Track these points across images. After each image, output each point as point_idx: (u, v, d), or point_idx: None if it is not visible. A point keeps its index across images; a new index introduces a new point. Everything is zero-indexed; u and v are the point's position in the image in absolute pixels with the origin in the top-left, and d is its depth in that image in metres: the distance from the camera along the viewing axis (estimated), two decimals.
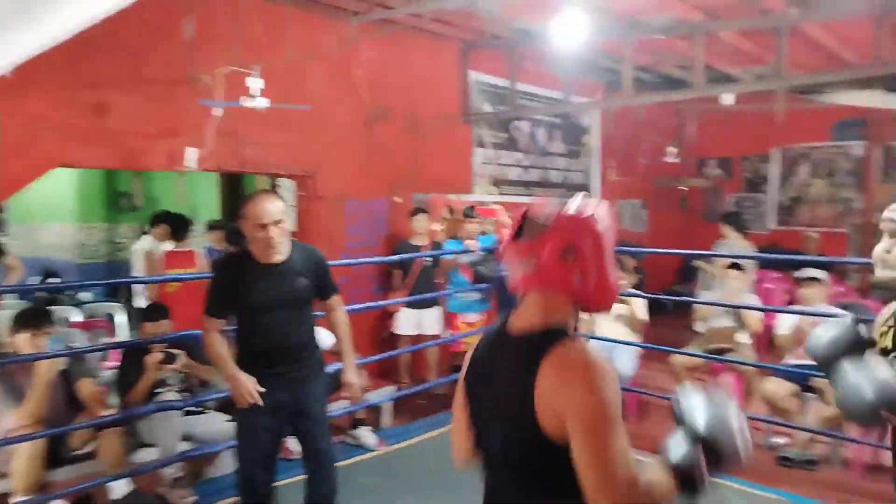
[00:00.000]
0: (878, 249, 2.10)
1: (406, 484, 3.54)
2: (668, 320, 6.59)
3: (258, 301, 2.57)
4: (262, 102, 3.97)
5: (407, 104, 5.63)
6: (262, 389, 2.54)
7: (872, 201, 8.16)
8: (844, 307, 5.28)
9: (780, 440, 4.13)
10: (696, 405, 1.33)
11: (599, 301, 1.35)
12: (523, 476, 1.29)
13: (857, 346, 1.90)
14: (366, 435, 4.06)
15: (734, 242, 6.01)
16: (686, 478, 1.23)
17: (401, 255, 4.82)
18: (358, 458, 3.90)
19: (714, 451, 1.25)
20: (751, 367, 4.45)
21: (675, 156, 8.43)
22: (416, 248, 5.07)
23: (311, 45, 4.74)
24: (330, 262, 4.69)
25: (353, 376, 2.82)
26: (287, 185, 5.64)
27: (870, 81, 6.34)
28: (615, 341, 4.69)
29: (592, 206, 1.34)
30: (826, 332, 1.99)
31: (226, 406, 3.40)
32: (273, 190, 4.31)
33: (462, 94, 6.19)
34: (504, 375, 1.31)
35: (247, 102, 3.96)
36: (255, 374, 2.57)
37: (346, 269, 5.19)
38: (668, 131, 8.64)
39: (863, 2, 4.31)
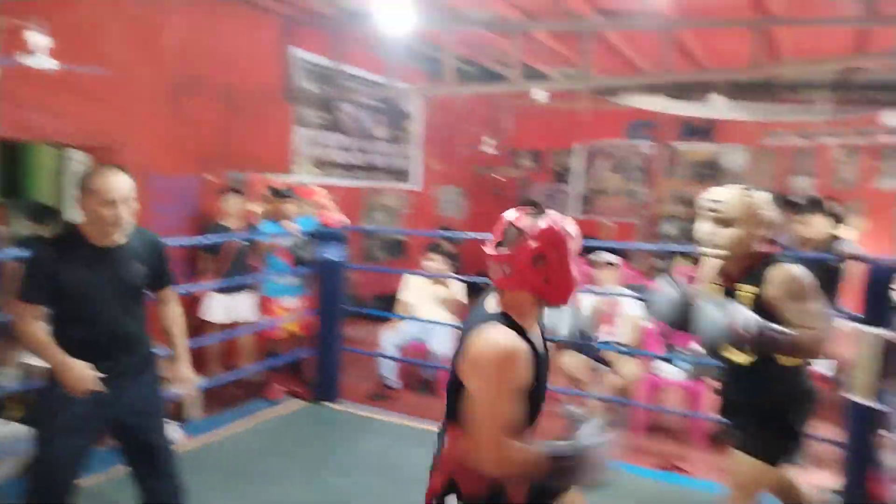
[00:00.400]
0: (703, 233, 2.36)
1: (212, 479, 3.34)
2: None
3: (88, 287, 2.30)
4: (45, 62, 3.49)
5: (221, 77, 5.28)
6: (103, 375, 2.27)
7: (657, 195, 9.22)
8: (634, 289, 5.89)
9: (576, 409, 4.51)
10: (587, 429, 1.73)
11: (559, 298, 1.70)
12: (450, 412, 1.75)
13: (688, 298, 2.41)
14: (169, 429, 3.76)
15: None
16: (554, 470, 1.58)
17: (210, 237, 4.52)
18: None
19: (578, 465, 1.60)
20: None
21: (492, 147, 8.85)
22: (228, 231, 4.79)
23: (111, 4, 4.26)
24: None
25: (188, 370, 2.63)
26: (80, 158, 5.04)
27: (657, 88, 7.13)
28: (435, 322, 4.82)
29: (561, 221, 1.69)
30: (662, 298, 2.47)
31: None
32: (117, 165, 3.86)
33: (283, 72, 5.96)
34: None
35: (26, 60, 3.46)
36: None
37: None
38: (485, 123, 9.04)
39: (653, 18, 4.81)
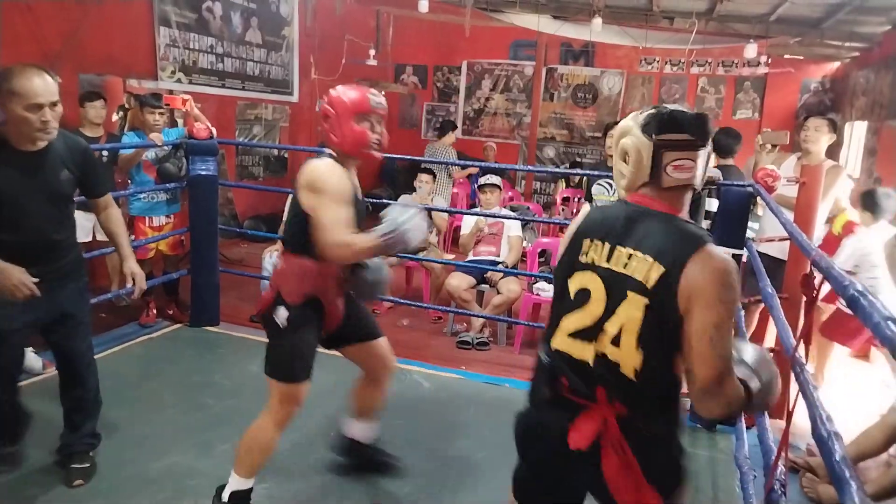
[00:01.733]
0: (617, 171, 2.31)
1: None
2: (370, 222, 6.86)
3: (13, 192, 2.22)
4: None
5: None
6: (36, 279, 2.22)
7: (538, 116, 9.38)
8: (514, 209, 6.06)
9: (460, 327, 4.66)
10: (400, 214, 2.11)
11: (348, 148, 2.20)
12: None
13: None
14: (28, 357, 3.47)
15: (439, 148, 6.50)
16: (384, 244, 2.07)
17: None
18: (19, 385, 3.34)
19: (399, 236, 2.07)
20: (437, 264, 4.89)
21: (374, 59, 8.52)
22: (91, 141, 4.31)
23: None
24: None
25: (136, 266, 2.59)
26: None
27: (541, 7, 7.11)
28: None
29: (344, 89, 2.21)
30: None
31: None
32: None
33: None
34: None
35: None
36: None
37: None
38: (368, 33, 8.65)
39: None
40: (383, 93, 9.77)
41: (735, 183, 3.40)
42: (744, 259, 3.33)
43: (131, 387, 3.43)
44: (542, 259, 5.49)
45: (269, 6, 7.09)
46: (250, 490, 2.29)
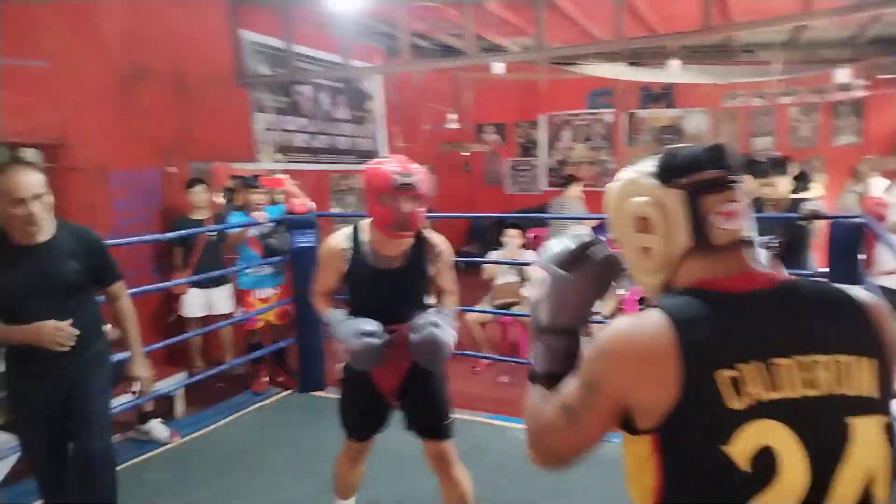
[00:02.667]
0: None
1: (202, 475, 3.32)
2: (461, 279, 6.94)
3: (14, 287, 2.28)
4: None
5: (170, 63, 5.12)
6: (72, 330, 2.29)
7: (622, 162, 9.30)
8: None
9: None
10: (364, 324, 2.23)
11: (377, 225, 2.29)
12: None
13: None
14: (156, 428, 3.72)
15: (565, 201, 6.41)
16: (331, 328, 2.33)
17: (180, 232, 4.41)
18: (149, 455, 3.57)
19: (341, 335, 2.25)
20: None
21: (455, 122, 8.80)
22: (197, 223, 4.68)
23: None
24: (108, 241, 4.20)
25: (142, 369, 2.59)
26: (32, 157, 4.85)
27: (613, 56, 7.16)
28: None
29: (380, 163, 2.28)
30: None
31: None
32: (26, 161, 3.72)
33: (234, 55, 5.79)
34: None
35: None
36: (20, 368, 2.38)
37: (117, 249, 4.65)
38: (446, 98, 8.98)
39: None
40: (466, 154, 9.89)
41: (844, 215, 3.24)
42: None
43: (246, 454, 3.58)
44: (641, 307, 5.35)
45: (354, 83, 7.52)
46: None
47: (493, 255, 5.32)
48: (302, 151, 6.66)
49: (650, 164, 1.03)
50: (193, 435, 3.82)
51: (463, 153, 9.74)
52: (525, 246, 5.23)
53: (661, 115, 9.23)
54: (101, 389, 2.50)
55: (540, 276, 1.18)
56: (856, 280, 3.05)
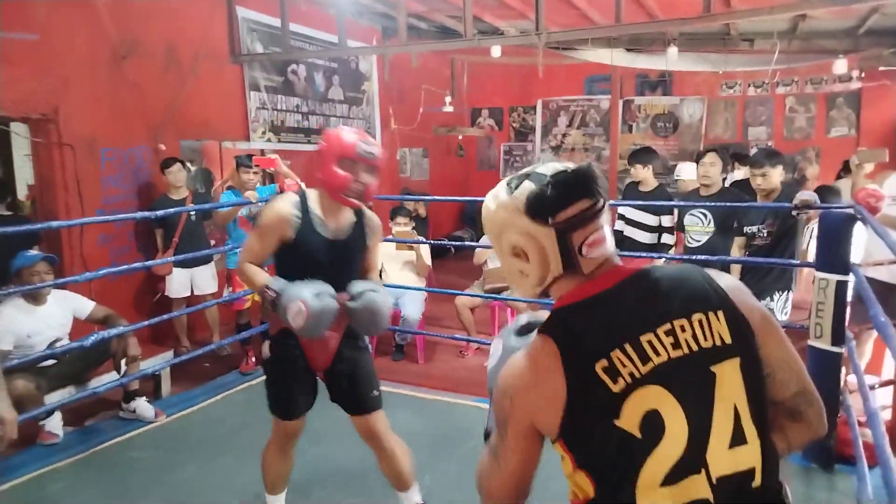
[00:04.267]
0: None
1: (187, 454, 3.31)
2: (451, 264, 6.94)
3: None
4: None
5: (163, 38, 5.05)
6: None
7: (616, 149, 9.27)
8: None
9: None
10: (309, 288, 2.14)
11: (328, 190, 2.22)
12: None
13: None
14: (142, 406, 3.71)
15: None
16: (265, 296, 2.19)
17: (168, 211, 4.36)
18: (134, 433, 3.56)
19: (279, 303, 2.14)
20: (522, 303, 4.86)
21: (450, 105, 8.73)
22: (177, 203, 4.64)
23: None
24: (85, 220, 4.18)
25: (4, 409, 2.10)
26: (20, 131, 4.79)
27: (612, 42, 7.10)
28: (405, 287, 4.80)
29: (339, 130, 2.24)
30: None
31: None
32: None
33: (229, 32, 5.71)
34: None
35: None
36: None
37: (106, 226, 4.62)
38: (443, 81, 8.90)
39: None
40: (464, 136, 9.84)
41: (836, 205, 3.23)
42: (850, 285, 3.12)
43: (232, 434, 3.58)
44: None
45: (349, 64, 7.44)
46: None
47: (486, 239, 5.30)
48: (294, 131, 6.60)
49: (520, 196, 1.10)
50: (179, 414, 3.82)
51: (458, 137, 9.69)
52: None
53: (657, 102, 9.19)
54: None
55: (495, 347, 1.29)
56: (845, 270, 3.05)
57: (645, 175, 4.90)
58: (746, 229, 3.71)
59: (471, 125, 10.09)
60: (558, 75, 8.62)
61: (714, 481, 0.99)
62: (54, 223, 3.66)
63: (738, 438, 1.01)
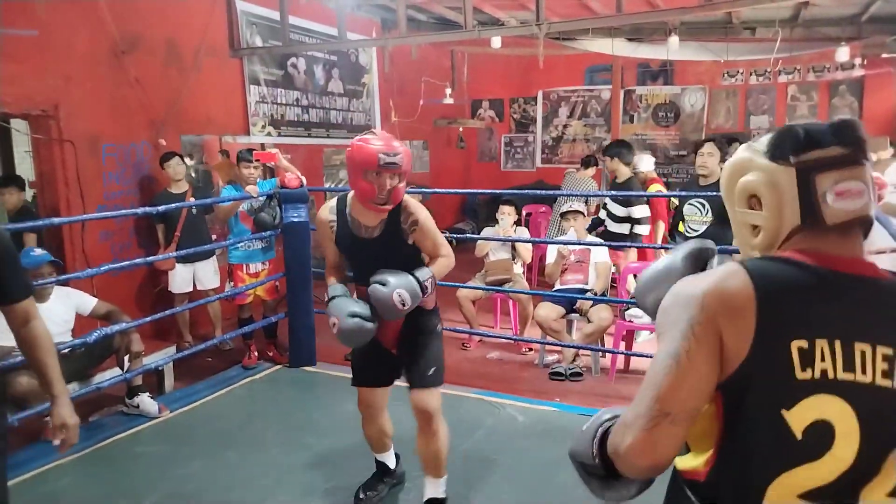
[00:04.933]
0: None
1: (191, 449, 3.32)
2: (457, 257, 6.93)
3: None
4: None
5: (163, 33, 5.03)
6: None
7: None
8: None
9: (552, 358, 4.59)
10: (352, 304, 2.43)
11: (358, 198, 2.39)
12: None
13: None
14: (145, 402, 3.72)
15: (580, 178, 6.74)
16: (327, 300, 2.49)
17: (168, 206, 4.36)
18: (138, 428, 3.57)
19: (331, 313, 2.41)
20: (524, 295, 4.86)
21: (450, 97, 8.69)
22: (177, 198, 4.63)
23: None
24: (86, 216, 4.18)
25: (67, 413, 1.86)
26: (21, 128, 4.79)
27: (613, 32, 7.06)
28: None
29: (363, 139, 2.34)
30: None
31: None
32: None
33: (228, 26, 5.69)
34: None
35: None
36: None
37: (107, 222, 4.62)
38: (443, 73, 8.87)
39: None
40: (464, 128, 9.81)
41: None
42: None
43: (237, 428, 3.59)
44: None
45: (349, 57, 7.41)
46: (380, 462, 2.86)
47: (487, 231, 5.29)
48: (294, 125, 6.58)
49: (764, 142, 1.02)
50: (182, 409, 3.82)
51: (458, 128, 9.66)
52: (518, 223, 5.20)
53: (658, 91, 9.14)
54: None
55: (656, 264, 1.27)
56: None
57: (614, 166, 5.12)
58: None
59: (471, 117, 10.06)
60: (559, 66, 8.58)
61: None
62: (56, 220, 3.67)
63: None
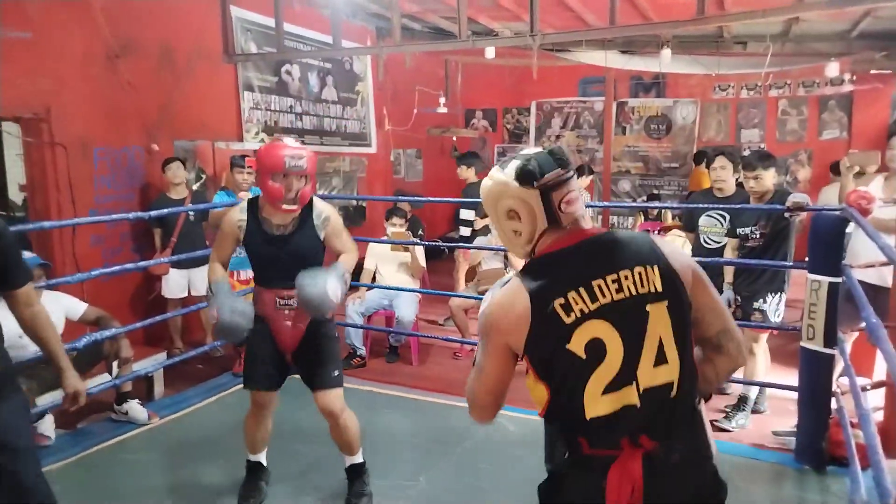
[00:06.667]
0: None
1: (181, 456, 3.30)
2: (446, 265, 6.92)
3: None
4: None
5: (158, 38, 5.03)
6: None
7: (610, 151, 9.30)
8: None
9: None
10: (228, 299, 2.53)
11: (265, 199, 2.57)
12: None
13: None
14: (135, 408, 3.69)
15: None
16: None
17: (161, 211, 4.35)
18: (126, 435, 3.54)
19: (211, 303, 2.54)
20: None
21: (444, 106, 8.72)
22: (176, 203, 4.63)
23: None
24: (79, 220, 4.16)
25: (75, 381, 2.11)
26: (12, 131, 4.76)
27: (607, 44, 7.12)
28: (399, 289, 4.80)
29: (271, 144, 2.56)
30: None
31: None
32: None
33: (223, 32, 5.69)
34: None
35: None
36: None
37: (98, 226, 4.59)
38: (437, 82, 8.90)
39: None
40: (458, 137, 9.82)
41: (827, 207, 3.25)
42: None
43: (227, 436, 3.56)
44: None
45: (344, 64, 7.43)
46: (257, 463, 2.91)
47: (480, 240, 5.30)
48: (288, 132, 6.58)
49: (510, 171, 1.41)
50: (172, 416, 3.80)
51: (452, 138, 9.68)
52: None
53: (651, 104, 9.21)
54: (20, 417, 1.92)
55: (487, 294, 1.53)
56: (836, 272, 3.06)
57: (467, 174, 5.65)
58: (739, 231, 3.73)
59: (465, 126, 10.09)
60: (552, 77, 8.64)
61: (641, 391, 1.30)
62: (46, 223, 3.64)
63: (660, 360, 1.32)
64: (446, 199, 6.45)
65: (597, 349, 1.30)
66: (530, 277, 1.36)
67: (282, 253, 2.57)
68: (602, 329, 1.30)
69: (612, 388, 1.30)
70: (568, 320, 1.30)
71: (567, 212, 1.39)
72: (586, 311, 1.30)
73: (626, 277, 1.33)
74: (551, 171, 1.38)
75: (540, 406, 1.38)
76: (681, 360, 1.34)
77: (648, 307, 1.33)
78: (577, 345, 1.30)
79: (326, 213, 2.67)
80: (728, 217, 3.97)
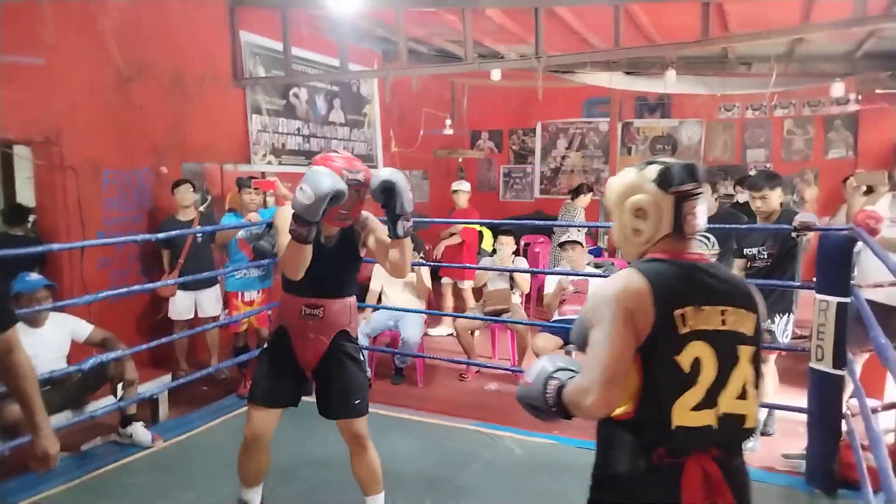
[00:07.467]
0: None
1: (184, 480, 3.28)
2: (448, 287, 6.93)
3: None
4: None
5: (168, 62, 5.10)
6: None
7: (615, 172, 9.29)
8: (598, 266, 5.97)
9: None
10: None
11: None
12: None
13: None
14: (139, 431, 3.67)
15: (570, 209, 6.92)
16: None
17: (170, 233, 4.37)
18: (130, 458, 3.52)
19: None
20: (522, 325, 4.84)
21: (450, 127, 8.78)
22: (184, 224, 4.66)
23: None
24: (87, 242, 4.18)
25: (49, 444, 1.87)
26: (24, 154, 4.83)
27: (611, 65, 7.16)
28: (404, 310, 4.79)
29: (324, 156, 2.46)
30: None
31: None
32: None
33: (232, 56, 5.77)
34: None
35: None
36: None
37: (106, 249, 4.62)
38: (444, 104, 8.97)
39: None
40: (464, 158, 9.85)
41: (835, 227, 3.23)
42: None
43: (231, 459, 3.52)
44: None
45: (351, 87, 7.50)
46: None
47: (485, 261, 5.30)
48: (295, 154, 6.63)
49: (650, 172, 1.50)
50: (177, 439, 3.78)
51: (458, 159, 9.72)
52: (517, 253, 5.21)
53: (656, 124, 9.24)
54: None
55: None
56: (845, 292, 3.03)
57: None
58: (746, 251, 3.71)
59: (471, 147, 10.14)
60: (557, 98, 8.68)
61: (720, 415, 1.41)
62: (55, 245, 3.67)
63: (742, 395, 1.44)
64: (453, 220, 6.45)
65: (696, 369, 1.39)
66: (651, 274, 1.43)
67: (322, 262, 2.45)
68: (705, 352, 1.40)
69: (698, 406, 1.39)
70: (682, 331, 1.39)
71: (692, 223, 1.48)
72: (697, 329, 1.40)
73: (731, 314, 1.44)
74: (689, 182, 1.47)
75: (624, 404, 1.42)
76: (755, 397, 1.46)
77: (740, 347, 1.44)
78: (685, 358, 1.39)
79: (364, 221, 2.62)
80: (713, 238, 3.98)
